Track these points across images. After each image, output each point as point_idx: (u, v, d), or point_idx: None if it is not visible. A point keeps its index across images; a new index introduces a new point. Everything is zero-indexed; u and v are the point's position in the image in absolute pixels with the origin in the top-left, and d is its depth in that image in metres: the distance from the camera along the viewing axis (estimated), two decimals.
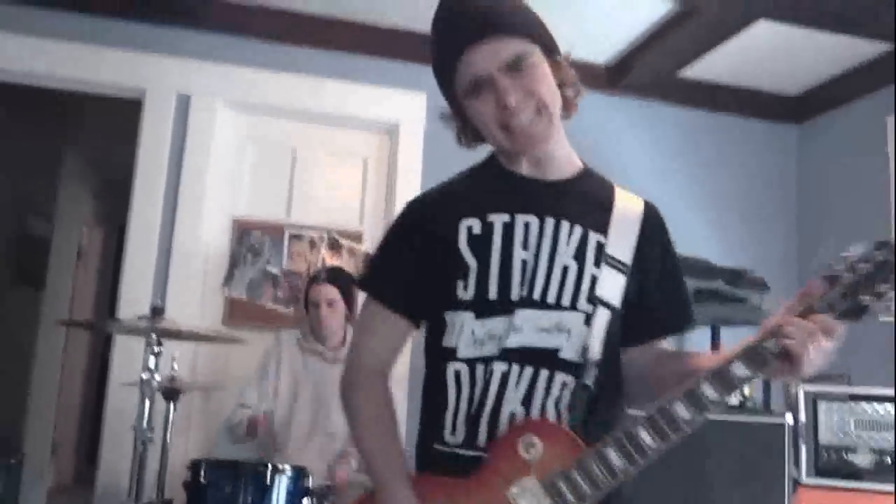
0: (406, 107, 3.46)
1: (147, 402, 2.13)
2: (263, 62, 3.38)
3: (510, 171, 1.29)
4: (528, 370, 1.17)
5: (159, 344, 2.16)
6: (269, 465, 2.04)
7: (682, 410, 1.09)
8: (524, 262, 1.20)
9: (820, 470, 2.51)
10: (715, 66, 3.59)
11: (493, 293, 1.19)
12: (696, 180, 3.82)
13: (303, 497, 2.10)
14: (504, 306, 1.19)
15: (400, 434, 1.26)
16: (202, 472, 2.03)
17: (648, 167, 3.66)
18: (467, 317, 1.19)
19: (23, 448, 3.97)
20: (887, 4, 2.86)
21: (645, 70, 3.61)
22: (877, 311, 1.13)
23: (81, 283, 5.73)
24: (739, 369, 1.10)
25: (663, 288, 1.31)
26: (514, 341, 1.17)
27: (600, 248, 1.23)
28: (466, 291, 1.20)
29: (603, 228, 1.24)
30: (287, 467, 2.10)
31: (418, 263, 1.26)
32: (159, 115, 3.26)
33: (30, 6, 3.19)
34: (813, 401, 2.58)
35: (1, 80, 3.26)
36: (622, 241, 1.25)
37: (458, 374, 1.20)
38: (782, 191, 3.88)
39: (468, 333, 1.19)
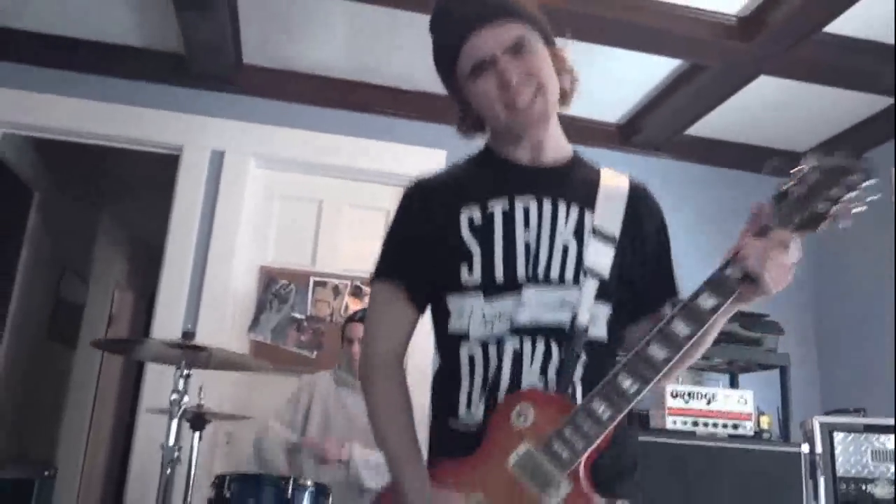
0: (426, 162, 3.58)
1: (175, 423, 2.21)
2: (292, 121, 3.61)
3: (506, 159, 1.33)
4: (541, 345, 1.20)
5: (189, 367, 2.25)
6: (291, 479, 2.10)
7: (656, 351, 1.10)
8: (527, 244, 1.24)
9: (839, 502, 2.50)
10: (723, 124, 3.75)
11: (499, 275, 1.22)
12: (710, 232, 3.89)
13: None
14: (511, 286, 1.22)
15: (413, 420, 1.29)
16: (226, 486, 2.10)
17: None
18: (476, 300, 1.22)
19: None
20: (886, 60, 3.01)
21: (655, 128, 3.78)
22: (838, 217, 1.12)
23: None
24: (706, 300, 1.11)
25: (653, 261, 1.33)
26: (523, 318, 1.20)
27: (591, 221, 1.27)
28: (472, 275, 1.23)
29: (592, 205, 1.28)
30: (309, 482, 2.15)
31: (421, 249, 1.30)
32: (195, 170, 3.48)
33: (79, 72, 3.47)
34: (829, 433, 2.59)
35: (51, 137, 3.52)
36: (610, 215, 1.28)
37: (471, 356, 1.22)
38: None
39: (479, 315, 1.22)
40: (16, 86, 3.40)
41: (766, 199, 1.15)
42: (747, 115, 3.67)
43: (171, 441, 2.18)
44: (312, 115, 3.63)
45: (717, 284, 1.12)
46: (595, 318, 1.23)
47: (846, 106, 3.52)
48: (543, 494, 1.09)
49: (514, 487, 1.11)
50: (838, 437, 2.57)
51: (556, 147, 1.35)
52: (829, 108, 3.55)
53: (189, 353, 2.25)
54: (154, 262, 3.50)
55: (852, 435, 2.56)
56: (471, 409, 1.22)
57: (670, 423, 2.57)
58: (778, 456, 2.55)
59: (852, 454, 2.54)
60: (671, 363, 1.10)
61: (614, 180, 1.34)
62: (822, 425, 2.59)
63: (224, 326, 3.36)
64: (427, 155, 3.64)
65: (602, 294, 1.24)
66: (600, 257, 1.25)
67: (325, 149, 3.62)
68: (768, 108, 3.59)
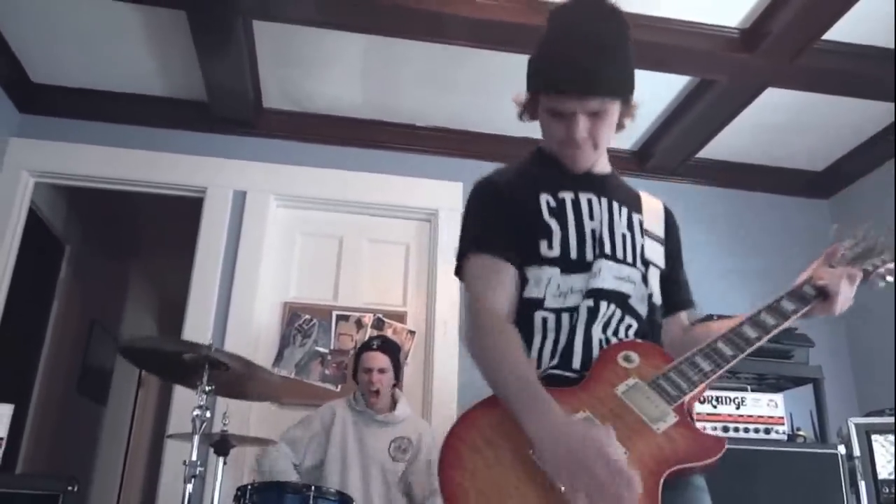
0: (444, 196, 3.70)
1: (196, 439, 2.21)
2: (310, 160, 3.71)
3: (562, 163, 1.49)
4: (611, 307, 1.37)
5: (210, 384, 2.27)
6: (313, 487, 2.07)
7: (749, 331, 1.35)
8: (593, 231, 1.42)
9: None
10: (734, 145, 3.78)
11: (573, 253, 1.39)
12: (727, 254, 3.88)
13: None
14: (583, 265, 1.38)
15: (528, 358, 1.29)
16: (248, 495, 2.08)
17: (686, 243, 3.76)
18: (554, 272, 1.37)
19: None
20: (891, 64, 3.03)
21: (667, 152, 3.81)
22: (880, 277, 1.50)
23: (142, 404, 5.91)
24: (787, 304, 1.39)
25: (675, 272, 1.55)
26: (596, 283, 1.36)
27: (641, 223, 1.48)
28: (552, 250, 1.38)
29: (639, 211, 1.51)
30: (332, 490, 2.12)
31: (506, 224, 1.41)
32: (218, 210, 3.57)
33: (107, 122, 3.63)
34: (866, 434, 2.51)
35: (82, 185, 3.65)
36: (655, 222, 1.52)
37: (545, 321, 1.35)
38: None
39: (554, 286, 1.36)
40: (49, 137, 3.57)
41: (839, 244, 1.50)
42: (758, 133, 3.69)
43: (194, 456, 2.17)
44: (330, 154, 3.73)
45: (796, 294, 1.41)
46: (652, 297, 1.44)
47: (858, 119, 3.53)
48: (653, 419, 1.20)
49: (622, 411, 1.22)
50: (876, 439, 2.48)
51: (603, 161, 1.54)
52: (841, 122, 3.56)
53: (212, 368, 2.27)
54: (182, 315, 3.52)
55: (891, 436, 2.47)
56: (541, 364, 1.33)
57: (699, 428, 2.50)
58: (814, 459, 2.46)
59: (892, 456, 2.45)
60: (759, 342, 1.35)
61: (652, 200, 1.58)
62: (857, 426, 2.51)
63: None
64: (443, 188, 3.70)
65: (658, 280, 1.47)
66: (656, 252, 1.48)
67: (343, 186, 3.70)
68: (779, 124, 3.61)
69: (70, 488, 2.12)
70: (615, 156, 3.77)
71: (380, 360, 2.98)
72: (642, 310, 1.41)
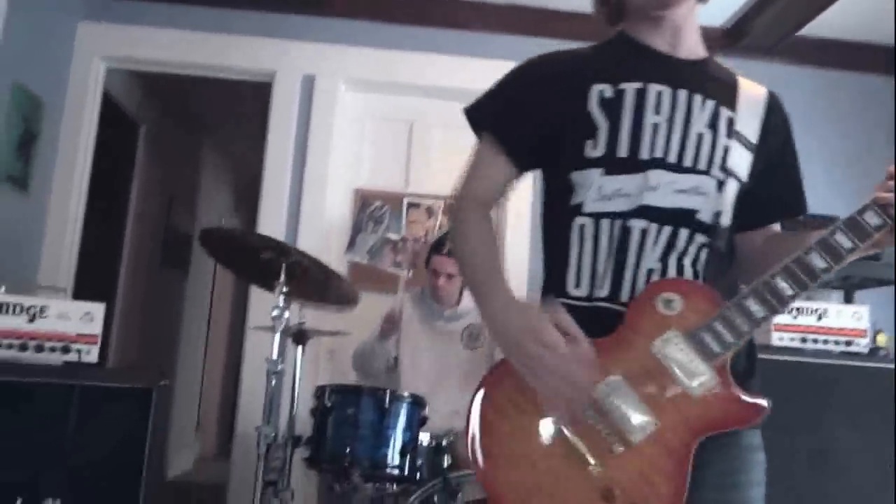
0: None
1: (277, 338, 2.30)
2: (380, 42, 3.57)
3: (644, 44, 1.30)
4: (667, 229, 1.19)
5: (289, 282, 2.32)
6: (388, 391, 2.16)
7: (816, 260, 1.12)
8: (655, 126, 1.22)
9: None
10: (841, 21, 3.45)
11: (622, 151, 1.21)
12: (834, 140, 3.64)
13: (420, 424, 2.20)
14: (634, 164, 1.20)
15: (498, 251, 1.28)
16: (326, 396, 2.18)
17: None
18: (595, 173, 1.21)
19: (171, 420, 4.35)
20: None
21: (765, 29, 3.52)
22: None
23: (222, 269, 6.17)
24: (843, 240, 1.12)
25: (782, 171, 1.32)
26: (651, 200, 1.19)
27: (731, 122, 1.25)
28: (595, 149, 1.22)
29: (732, 106, 1.26)
30: (406, 394, 2.21)
31: (539, 115, 1.27)
32: (287, 95, 3.52)
33: (173, 3, 3.54)
34: None
35: (150, 70, 3.64)
36: (749, 120, 1.27)
37: (582, 228, 1.22)
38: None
39: (595, 189, 1.21)
40: (114, 20, 3.51)
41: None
42: (868, 7, 3.34)
43: (275, 355, 2.27)
44: (400, 35, 3.58)
45: (854, 225, 1.12)
46: (720, 216, 1.23)
47: None
48: (688, 382, 1.11)
49: (657, 372, 1.11)
50: None
51: (693, 43, 1.33)
52: None
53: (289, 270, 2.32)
54: (257, 191, 3.59)
55: None
56: (579, 286, 1.21)
57: (776, 339, 2.45)
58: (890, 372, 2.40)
59: None
60: (830, 273, 1.12)
61: (753, 88, 1.32)
62: None
63: (322, 249, 3.43)
64: None
65: (736, 195, 1.25)
66: (741, 161, 1.25)
67: (413, 69, 3.57)
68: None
69: (162, 383, 2.25)
70: (703, 33, 3.62)
71: (448, 265, 2.98)
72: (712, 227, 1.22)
